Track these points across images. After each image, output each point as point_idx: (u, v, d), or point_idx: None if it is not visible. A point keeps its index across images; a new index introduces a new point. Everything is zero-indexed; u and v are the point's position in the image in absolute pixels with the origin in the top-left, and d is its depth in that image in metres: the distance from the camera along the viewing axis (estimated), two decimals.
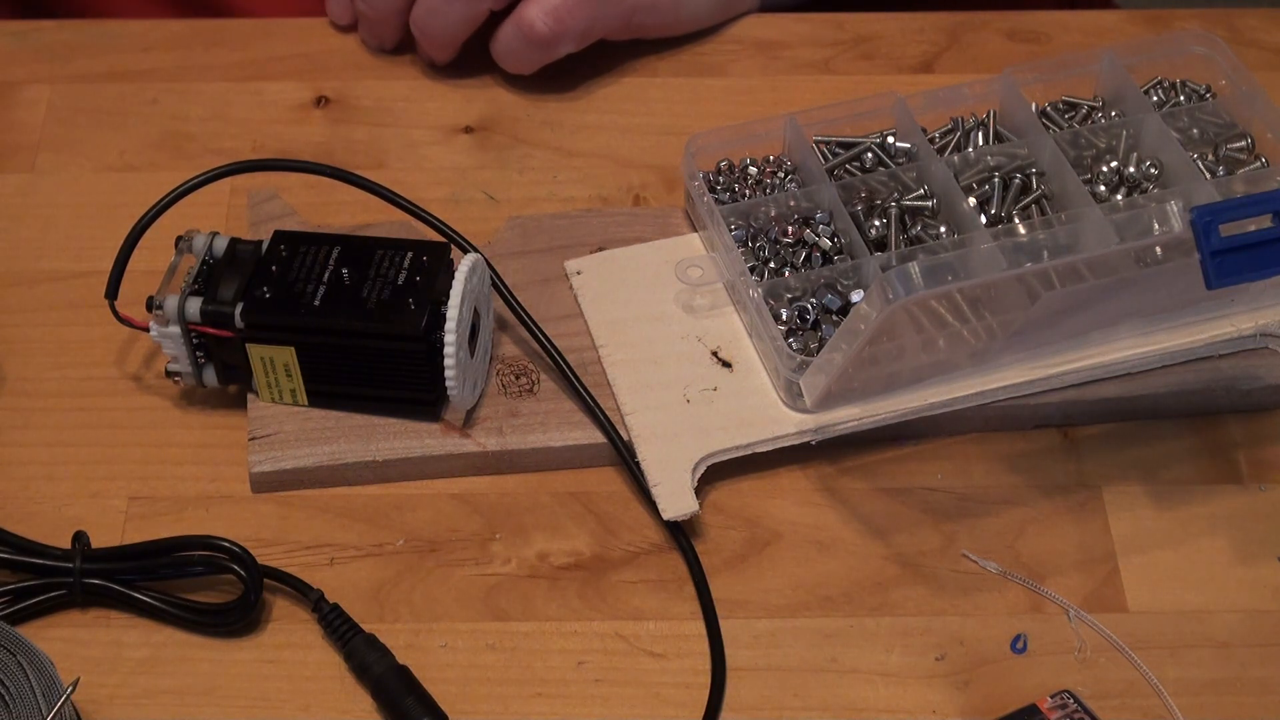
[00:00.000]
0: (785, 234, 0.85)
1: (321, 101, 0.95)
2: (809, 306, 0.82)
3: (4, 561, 0.77)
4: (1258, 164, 0.88)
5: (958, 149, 0.89)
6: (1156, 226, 0.74)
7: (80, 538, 0.77)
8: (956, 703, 0.75)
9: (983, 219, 0.85)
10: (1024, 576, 0.78)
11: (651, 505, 0.79)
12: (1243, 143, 0.88)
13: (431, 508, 0.81)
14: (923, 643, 0.77)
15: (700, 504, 0.79)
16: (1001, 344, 0.81)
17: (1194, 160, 0.87)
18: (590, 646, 0.77)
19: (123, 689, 0.75)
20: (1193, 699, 0.75)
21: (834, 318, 0.82)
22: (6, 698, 0.70)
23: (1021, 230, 0.84)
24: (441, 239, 0.84)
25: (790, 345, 0.81)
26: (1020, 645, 0.76)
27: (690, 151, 0.87)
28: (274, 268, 0.81)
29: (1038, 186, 0.87)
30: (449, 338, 0.78)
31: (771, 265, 0.85)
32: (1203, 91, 0.91)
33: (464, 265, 0.79)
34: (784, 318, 0.82)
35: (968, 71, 0.97)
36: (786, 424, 0.81)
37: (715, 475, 0.81)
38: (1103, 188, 0.87)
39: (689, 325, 0.84)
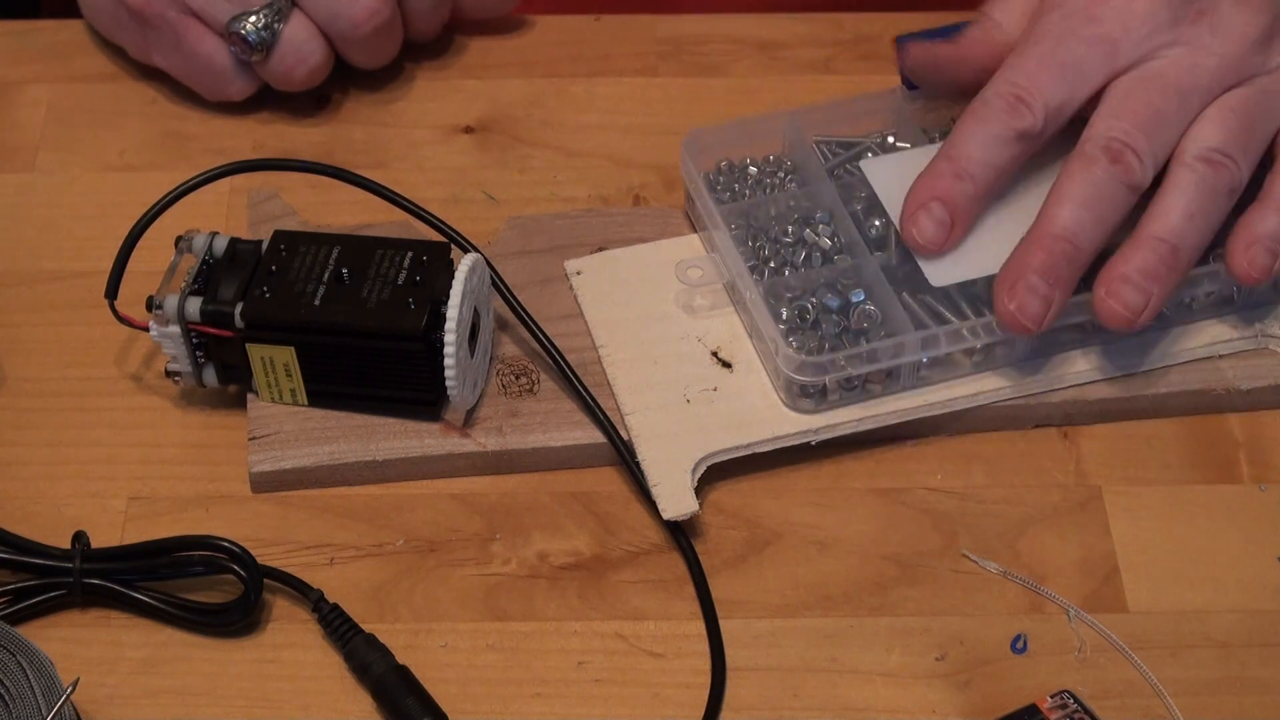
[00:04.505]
0: (785, 234, 0.85)
1: (322, 101, 0.95)
2: (809, 306, 0.82)
3: (4, 561, 0.77)
4: None
5: None
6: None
7: (80, 538, 0.77)
8: (956, 703, 0.75)
9: None
10: (1024, 576, 0.78)
11: (651, 505, 0.79)
12: None
13: (431, 508, 0.81)
14: (923, 643, 0.77)
15: (700, 504, 0.79)
16: (1001, 344, 0.81)
17: None
18: (590, 646, 0.77)
19: (123, 689, 0.75)
20: (1193, 699, 0.75)
21: (834, 317, 0.82)
22: (6, 698, 0.70)
23: None
24: (441, 239, 0.84)
25: (790, 345, 0.81)
26: (1020, 645, 0.76)
27: (690, 152, 0.87)
28: (274, 268, 0.81)
29: None
30: (449, 338, 0.78)
31: (771, 265, 0.84)
32: None
33: (464, 265, 0.79)
34: (784, 318, 0.82)
35: None
36: (786, 424, 0.81)
37: (715, 475, 0.81)
38: None
39: (689, 325, 0.84)
